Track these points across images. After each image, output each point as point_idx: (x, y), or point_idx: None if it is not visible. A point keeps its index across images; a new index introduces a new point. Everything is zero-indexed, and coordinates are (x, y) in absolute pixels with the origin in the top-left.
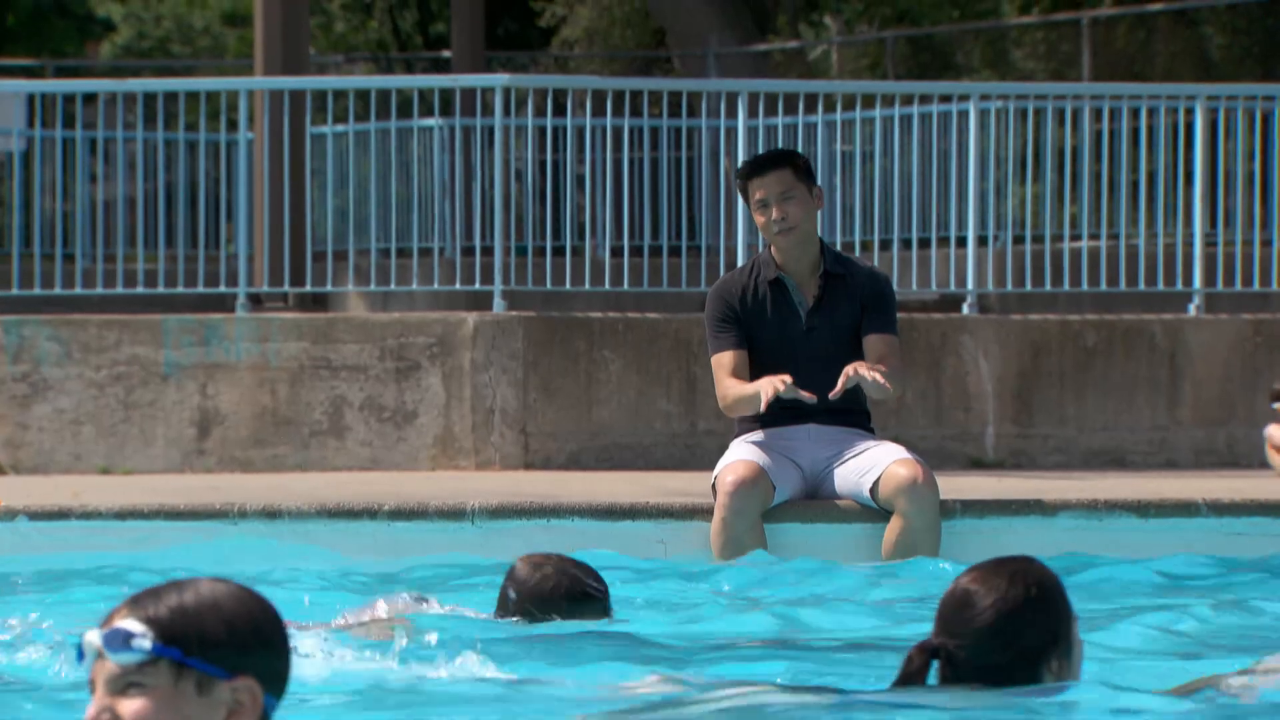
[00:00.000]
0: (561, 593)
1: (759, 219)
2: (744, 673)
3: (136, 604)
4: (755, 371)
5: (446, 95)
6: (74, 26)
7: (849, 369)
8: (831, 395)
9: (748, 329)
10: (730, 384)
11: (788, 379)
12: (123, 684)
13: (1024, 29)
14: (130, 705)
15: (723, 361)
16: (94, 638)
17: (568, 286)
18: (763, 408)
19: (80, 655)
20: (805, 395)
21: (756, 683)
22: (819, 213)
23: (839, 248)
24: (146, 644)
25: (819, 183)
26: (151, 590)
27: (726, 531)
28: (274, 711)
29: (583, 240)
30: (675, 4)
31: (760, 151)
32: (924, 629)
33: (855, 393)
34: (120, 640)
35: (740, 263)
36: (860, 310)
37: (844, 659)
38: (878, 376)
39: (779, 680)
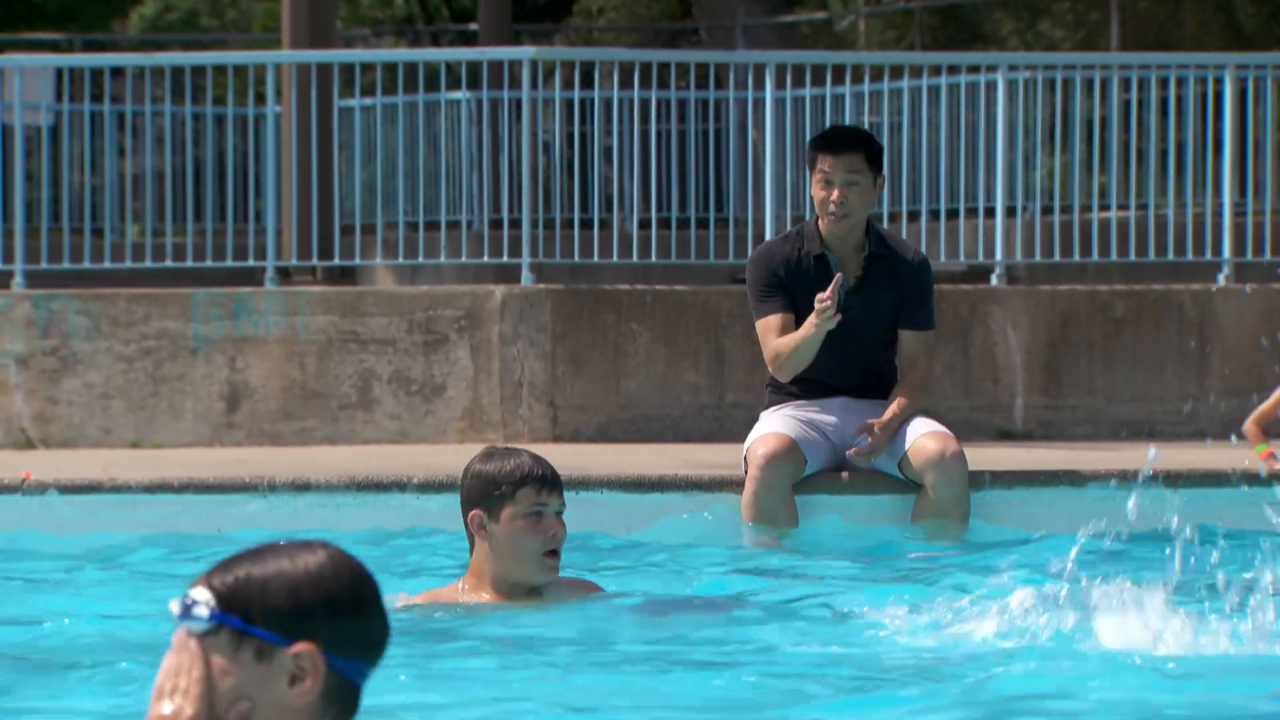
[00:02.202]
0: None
1: (818, 193)
2: (773, 642)
3: (211, 573)
4: None
5: (474, 68)
6: (101, 2)
7: (870, 443)
8: (850, 455)
9: (790, 296)
10: (780, 342)
11: (828, 303)
12: None
13: None
14: None
15: (770, 324)
16: (175, 606)
17: (595, 259)
18: (831, 317)
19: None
20: (832, 316)
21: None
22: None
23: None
24: (205, 612)
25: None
26: (230, 558)
27: (758, 503)
28: (362, 676)
29: (610, 212)
30: None
31: (786, 120)
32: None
33: (881, 364)
34: (187, 608)
35: (768, 234)
36: (900, 296)
37: (877, 626)
38: (882, 439)
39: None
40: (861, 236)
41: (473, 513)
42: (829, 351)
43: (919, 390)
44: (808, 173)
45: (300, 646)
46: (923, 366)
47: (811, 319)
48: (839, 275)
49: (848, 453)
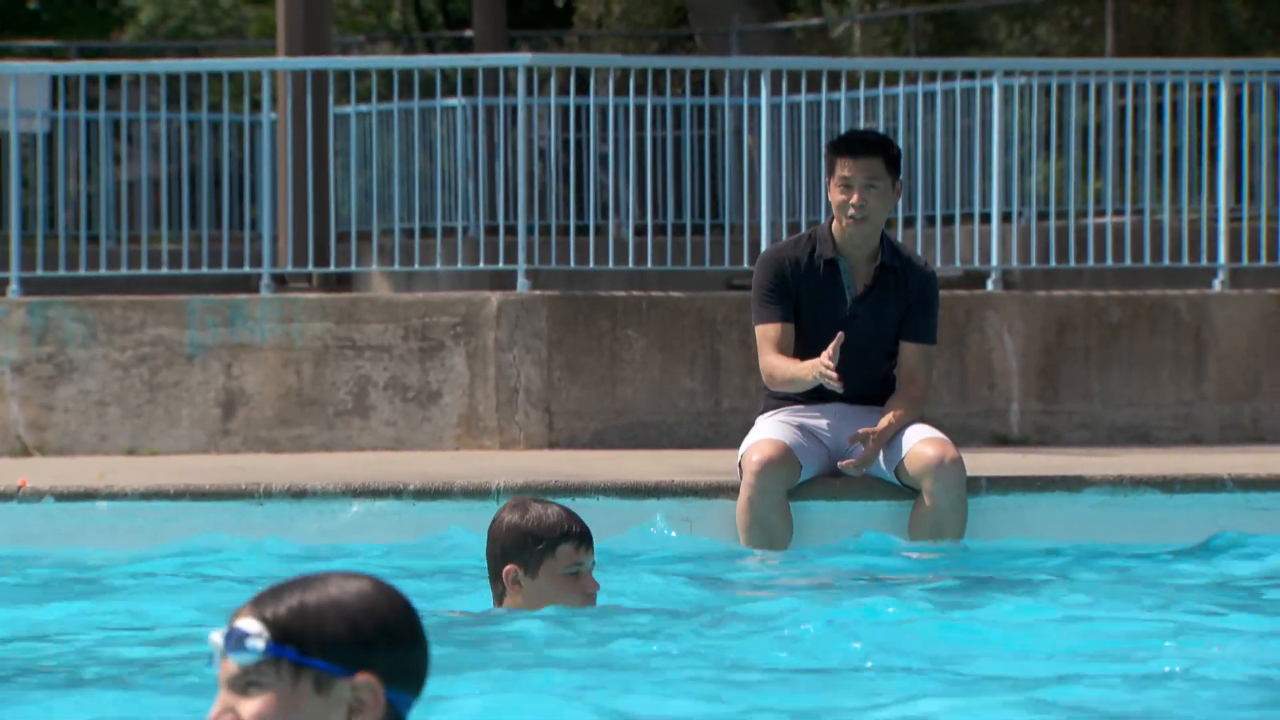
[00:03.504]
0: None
1: (836, 196)
2: (768, 654)
3: (258, 603)
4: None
5: (469, 74)
6: (98, 13)
7: (863, 454)
8: (842, 466)
9: (794, 301)
10: (777, 361)
11: (831, 373)
12: (243, 683)
13: (1047, 4)
14: (249, 705)
15: (768, 334)
16: (216, 638)
17: (591, 265)
18: (834, 383)
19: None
20: (835, 384)
21: None
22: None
23: None
24: (260, 644)
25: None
26: (274, 588)
27: (752, 510)
28: (408, 709)
29: (606, 219)
30: None
31: (782, 126)
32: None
33: (881, 373)
34: (237, 641)
35: (764, 241)
36: (905, 308)
37: (864, 640)
38: (875, 450)
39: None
40: (876, 245)
41: (508, 568)
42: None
43: (915, 402)
44: (824, 178)
45: (362, 677)
46: (921, 380)
47: (814, 366)
48: (840, 335)
49: (840, 464)
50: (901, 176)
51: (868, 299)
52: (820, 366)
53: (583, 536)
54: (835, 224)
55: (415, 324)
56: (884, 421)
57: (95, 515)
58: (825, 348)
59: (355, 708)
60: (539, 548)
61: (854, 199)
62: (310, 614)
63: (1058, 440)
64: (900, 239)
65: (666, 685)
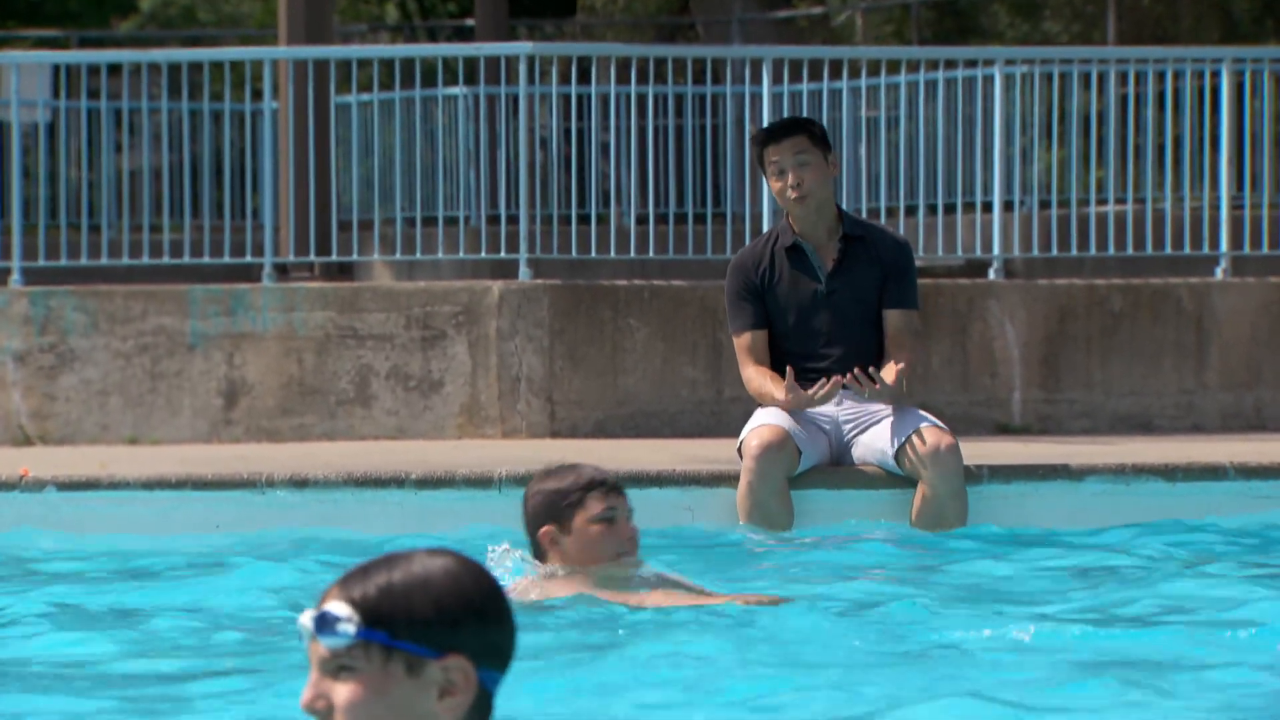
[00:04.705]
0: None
1: (775, 185)
2: (769, 642)
3: (345, 584)
4: (778, 340)
5: (471, 63)
6: (99, 2)
7: (887, 382)
8: (849, 379)
9: (767, 300)
10: (754, 375)
11: (815, 391)
12: (334, 666)
13: None
14: (341, 689)
15: (743, 344)
16: (306, 620)
17: (593, 254)
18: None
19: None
20: (824, 391)
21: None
22: (842, 178)
23: (864, 214)
24: (351, 628)
25: (842, 148)
26: (362, 568)
27: (752, 496)
28: (496, 686)
29: (608, 208)
30: None
31: (782, 118)
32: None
33: (872, 346)
34: (327, 624)
35: (766, 229)
36: (881, 275)
37: (868, 625)
38: (868, 382)
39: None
40: (834, 221)
41: (544, 530)
42: (819, 335)
43: (908, 365)
44: (763, 177)
45: (451, 658)
46: (908, 345)
47: (789, 400)
48: (837, 377)
49: (846, 379)
50: (834, 150)
51: (840, 272)
52: (796, 400)
53: (610, 485)
54: (788, 215)
55: (417, 313)
56: (895, 369)
57: (97, 505)
58: (809, 330)
59: (447, 689)
60: (567, 503)
61: (790, 180)
62: (398, 595)
63: (1059, 429)
64: (902, 229)
65: (666, 674)
